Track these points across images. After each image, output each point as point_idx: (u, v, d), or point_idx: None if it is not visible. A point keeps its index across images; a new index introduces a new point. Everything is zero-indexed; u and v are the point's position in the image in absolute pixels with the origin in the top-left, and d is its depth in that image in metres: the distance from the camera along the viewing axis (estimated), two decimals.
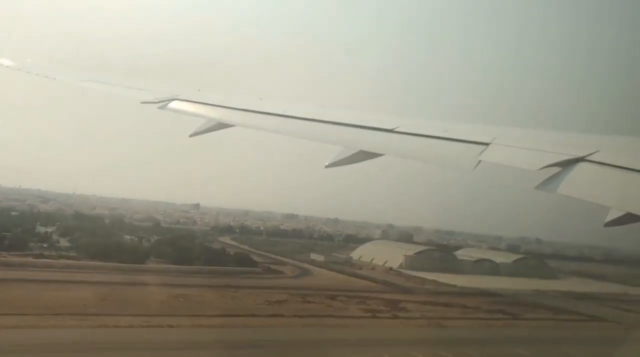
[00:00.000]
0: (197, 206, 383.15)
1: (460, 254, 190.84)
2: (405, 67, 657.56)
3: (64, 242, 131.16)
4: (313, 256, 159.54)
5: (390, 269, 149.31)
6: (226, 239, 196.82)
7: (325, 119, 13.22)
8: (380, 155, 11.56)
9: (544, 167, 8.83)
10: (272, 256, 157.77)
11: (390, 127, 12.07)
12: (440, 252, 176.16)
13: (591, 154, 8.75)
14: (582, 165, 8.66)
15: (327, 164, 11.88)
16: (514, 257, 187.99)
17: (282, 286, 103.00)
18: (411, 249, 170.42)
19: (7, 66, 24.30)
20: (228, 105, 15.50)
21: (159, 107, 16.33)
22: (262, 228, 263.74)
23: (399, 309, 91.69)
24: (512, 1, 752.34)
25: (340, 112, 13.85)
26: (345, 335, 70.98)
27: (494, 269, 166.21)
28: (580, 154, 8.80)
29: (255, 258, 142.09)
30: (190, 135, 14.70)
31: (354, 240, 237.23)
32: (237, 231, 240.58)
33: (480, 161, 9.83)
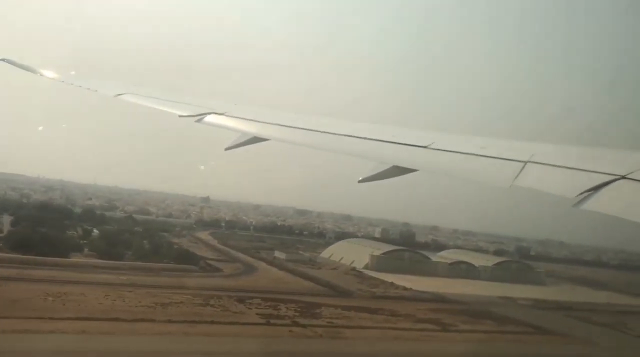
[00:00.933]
0: (207, 199, 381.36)
1: (442, 255, 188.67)
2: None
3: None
4: (277, 254, 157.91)
5: (353, 269, 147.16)
6: (203, 234, 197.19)
7: (360, 135, 13.39)
8: (415, 170, 11.55)
9: (583, 193, 8.53)
10: (233, 252, 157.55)
11: (425, 144, 12.09)
12: (411, 252, 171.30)
13: (632, 172, 8.55)
14: (622, 183, 8.47)
15: (360, 178, 11.98)
16: (497, 260, 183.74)
17: (200, 286, 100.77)
18: (382, 249, 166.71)
19: (52, 78, 25.22)
20: (263, 120, 15.76)
21: (196, 121, 16.63)
22: (253, 223, 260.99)
23: (310, 315, 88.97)
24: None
25: (375, 127, 14.04)
26: (193, 346, 67.70)
27: (470, 273, 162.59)
28: (619, 172, 8.63)
29: (209, 254, 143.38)
30: (226, 149, 14.93)
31: (348, 237, 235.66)
32: (223, 225, 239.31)
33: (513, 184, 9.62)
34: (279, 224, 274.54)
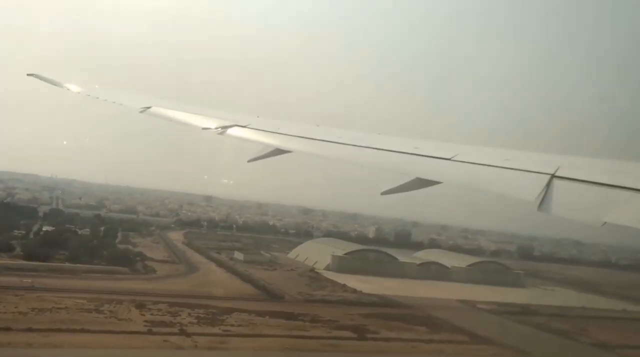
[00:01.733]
0: (209, 198, 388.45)
1: (417, 255, 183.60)
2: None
3: None
4: (236, 255, 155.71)
5: (312, 270, 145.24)
6: (176, 234, 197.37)
7: (383, 147, 13.45)
8: (438, 183, 11.53)
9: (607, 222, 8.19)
10: (190, 253, 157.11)
11: (448, 156, 12.05)
12: (377, 253, 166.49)
13: None
14: None
15: (383, 191, 11.99)
16: (471, 261, 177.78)
17: (111, 289, 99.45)
18: (348, 249, 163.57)
19: (78, 92, 25.54)
20: (285, 132, 15.87)
21: (219, 133, 16.86)
22: (240, 222, 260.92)
23: (209, 322, 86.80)
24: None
25: (398, 140, 14.05)
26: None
27: (440, 274, 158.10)
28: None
29: (159, 255, 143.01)
30: (249, 161, 15.11)
31: (340, 237, 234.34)
32: (205, 224, 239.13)
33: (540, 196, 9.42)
34: (271, 223, 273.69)
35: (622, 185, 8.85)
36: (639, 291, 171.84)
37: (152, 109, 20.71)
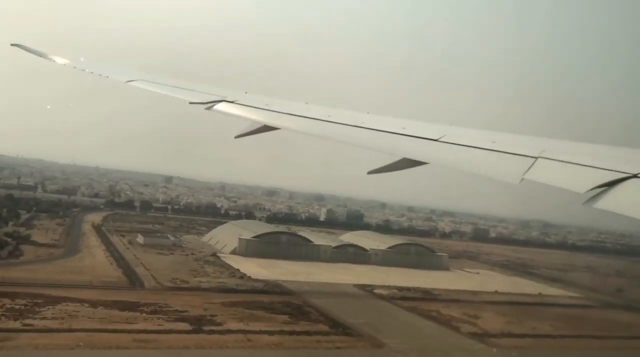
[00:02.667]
0: (169, 179, 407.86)
1: (343, 237, 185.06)
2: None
3: None
4: (138, 238, 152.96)
5: (214, 254, 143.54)
6: (95, 216, 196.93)
7: (370, 126, 13.34)
8: (425, 163, 11.48)
9: (592, 189, 8.47)
10: (88, 235, 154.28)
11: (435, 137, 12.06)
12: (291, 236, 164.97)
13: None
14: (633, 182, 8.39)
15: (369, 170, 12.07)
16: (394, 243, 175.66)
17: None
18: (261, 231, 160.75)
19: (63, 64, 24.81)
20: (274, 109, 15.52)
21: (206, 108, 16.32)
22: (182, 203, 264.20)
23: (14, 312, 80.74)
24: None
25: (386, 119, 13.93)
26: None
27: (356, 257, 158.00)
28: (632, 170, 8.59)
29: (48, 237, 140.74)
30: (236, 137, 14.79)
31: (282, 218, 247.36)
32: (137, 206, 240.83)
33: (523, 178, 9.54)
34: (219, 205, 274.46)
35: (605, 167, 8.98)
36: (573, 272, 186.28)
37: (138, 83, 20.10)
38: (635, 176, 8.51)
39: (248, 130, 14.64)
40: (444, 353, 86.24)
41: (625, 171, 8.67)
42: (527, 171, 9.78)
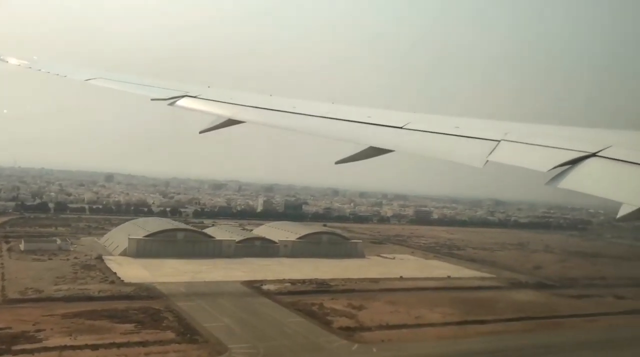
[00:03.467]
0: (110, 177, 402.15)
1: (259, 229, 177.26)
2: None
3: None
4: (21, 244, 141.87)
5: (99, 257, 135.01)
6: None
7: (336, 116, 13.29)
8: (391, 151, 11.61)
9: (554, 168, 8.83)
10: None
11: (400, 124, 12.16)
12: (189, 232, 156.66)
13: (602, 149, 8.81)
14: (593, 161, 8.72)
15: (337, 160, 12.00)
16: (307, 232, 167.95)
17: None
18: (158, 229, 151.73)
19: (18, 64, 24.04)
20: (238, 102, 15.10)
21: (168, 104, 15.83)
22: (104, 203, 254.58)
23: None
24: None
25: (351, 109, 13.88)
26: None
27: (263, 250, 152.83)
28: (591, 149, 8.89)
29: None
30: (201, 132, 14.37)
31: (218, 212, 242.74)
32: (52, 207, 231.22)
33: (487, 161, 9.78)
34: (151, 202, 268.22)
35: (566, 147, 9.31)
36: (500, 251, 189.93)
37: (97, 81, 19.35)
38: (594, 155, 8.84)
39: (212, 125, 14.29)
40: (294, 355, 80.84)
41: (585, 150, 9.01)
42: (490, 154, 10.00)
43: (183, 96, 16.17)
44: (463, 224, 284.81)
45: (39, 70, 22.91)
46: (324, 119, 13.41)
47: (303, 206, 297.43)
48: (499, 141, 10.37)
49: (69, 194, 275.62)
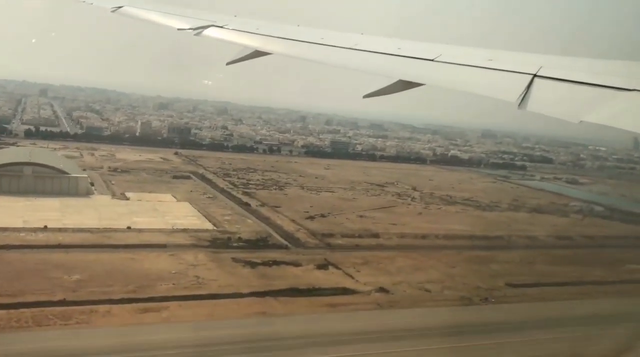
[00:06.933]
0: (44, 91, 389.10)
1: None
2: None
3: None
4: None
5: None
6: None
7: (365, 48, 12.87)
8: (421, 84, 11.19)
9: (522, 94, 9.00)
10: None
11: (431, 57, 11.65)
12: None
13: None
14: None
15: (365, 94, 11.69)
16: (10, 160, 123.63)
17: None
18: None
19: None
20: (265, 33, 14.76)
21: (195, 34, 15.67)
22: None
23: None
24: None
25: (381, 40, 13.47)
26: None
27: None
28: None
29: None
30: (228, 64, 14.24)
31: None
32: None
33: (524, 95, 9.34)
34: (87, 122, 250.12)
35: (602, 84, 8.77)
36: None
37: (124, 9, 19.05)
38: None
39: (240, 56, 14.11)
40: None
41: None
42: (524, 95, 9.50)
43: (210, 26, 15.95)
44: (392, 159, 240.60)
45: None
46: (352, 50, 12.99)
47: (193, 131, 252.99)
48: (534, 75, 9.80)
49: None
